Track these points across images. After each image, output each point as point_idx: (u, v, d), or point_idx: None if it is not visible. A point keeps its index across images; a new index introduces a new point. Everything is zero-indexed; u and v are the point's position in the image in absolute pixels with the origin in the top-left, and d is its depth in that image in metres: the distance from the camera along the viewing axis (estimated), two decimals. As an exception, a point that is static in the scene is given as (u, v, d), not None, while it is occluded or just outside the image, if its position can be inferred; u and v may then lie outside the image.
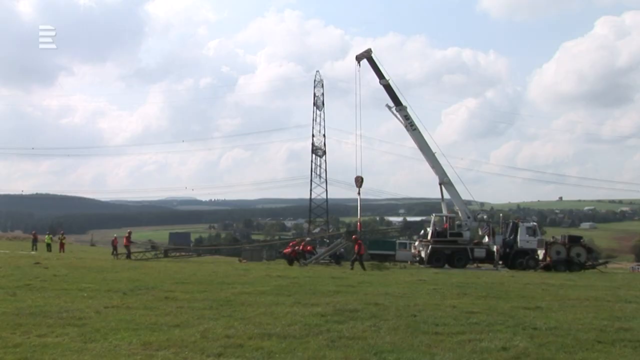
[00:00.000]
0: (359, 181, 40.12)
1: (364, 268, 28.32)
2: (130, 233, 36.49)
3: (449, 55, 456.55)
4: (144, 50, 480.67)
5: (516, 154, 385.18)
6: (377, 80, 39.18)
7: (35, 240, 43.24)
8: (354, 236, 34.42)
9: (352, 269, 28.40)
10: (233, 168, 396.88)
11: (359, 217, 41.86)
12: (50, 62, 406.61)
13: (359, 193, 40.52)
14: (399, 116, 39.20)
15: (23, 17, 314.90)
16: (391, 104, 39.34)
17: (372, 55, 39.35)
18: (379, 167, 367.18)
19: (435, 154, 39.47)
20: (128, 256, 33.90)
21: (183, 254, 38.52)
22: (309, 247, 35.52)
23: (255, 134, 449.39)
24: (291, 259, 32.91)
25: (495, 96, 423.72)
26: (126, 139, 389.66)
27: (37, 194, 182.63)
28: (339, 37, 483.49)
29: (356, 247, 29.96)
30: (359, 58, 39.53)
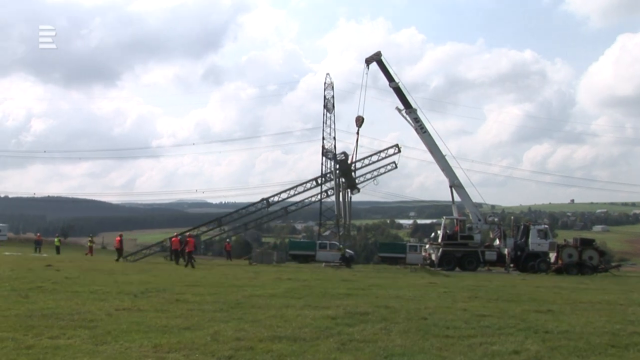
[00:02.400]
0: (359, 121, 39.85)
1: (192, 266, 29.03)
2: (121, 235, 36.72)
3: (520, 57, 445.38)
4: (216, 57, 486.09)
5: (550, 156, 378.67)
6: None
7: (38, 243, 43.64)
8: (187, 233, 34.47)
9: (185, 266, 29.11)
10: (269, 169, 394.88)
11: (355, 156, 41.03)
12: (117, 63, 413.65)
13: (357, 132, 40.23)
14: (408, 119, 39.05)
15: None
16: (401, 106, 39.19)
17: (382, 58, 39.21)
18: (409, 171, 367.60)
19: (446, 157, 39.31)
20: (119, 258, 34.06)
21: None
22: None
23: (299, 134, 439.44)
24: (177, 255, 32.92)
25: (549, 97, 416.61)
26: (172, 141, 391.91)
27: (48, 196, 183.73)
28: (420, 42, 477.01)
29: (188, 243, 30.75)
30: (368, 61, 39.35)
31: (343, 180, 40.49)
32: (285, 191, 40.59)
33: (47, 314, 10.10)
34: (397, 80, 38.92)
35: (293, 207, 42.46)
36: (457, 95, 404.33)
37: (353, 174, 41.16)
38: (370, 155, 42.45)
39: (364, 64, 39.34)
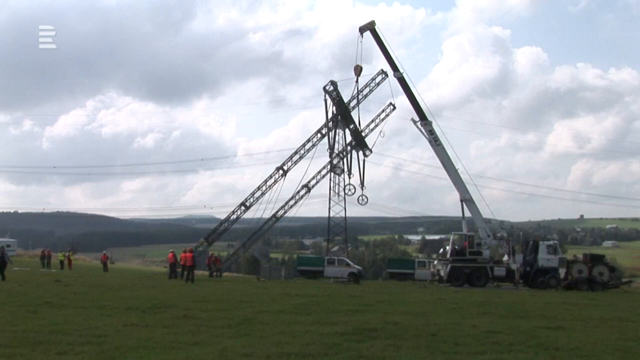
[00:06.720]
0: (358, 70, 39.70)
1: (192, 280, 28.02)
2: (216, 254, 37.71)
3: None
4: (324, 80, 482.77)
5: (594, 173, 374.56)
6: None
7: (44, 257, 43.66)
8: (190, 248, 33.72)
9: (186, 282, 27.84)
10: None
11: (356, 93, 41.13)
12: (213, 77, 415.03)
13: (356, 81, 40.22)
14: (423, 131, 38.84)
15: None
16: (416, 118, 38.94)
17: (376, 28, 38.55)
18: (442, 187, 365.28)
19: (458, 171, 39.14)
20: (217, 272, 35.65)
21: None
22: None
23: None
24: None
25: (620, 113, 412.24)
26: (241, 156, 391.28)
27: (57, 212, 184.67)
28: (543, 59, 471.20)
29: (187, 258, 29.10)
30: (362, 29, 38.79)
31: (349, 136, 40.50)
32: (296, 153, 40.85)
33: (55, 329, 10.10)
34: (401, 70, 38.63)
35: (313, 182, 42.30)
36: (542, 111, 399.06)
37: (358, 125, 41.45)
38: (362, 89, 42.91)
39: (358, 33, 39.10)
